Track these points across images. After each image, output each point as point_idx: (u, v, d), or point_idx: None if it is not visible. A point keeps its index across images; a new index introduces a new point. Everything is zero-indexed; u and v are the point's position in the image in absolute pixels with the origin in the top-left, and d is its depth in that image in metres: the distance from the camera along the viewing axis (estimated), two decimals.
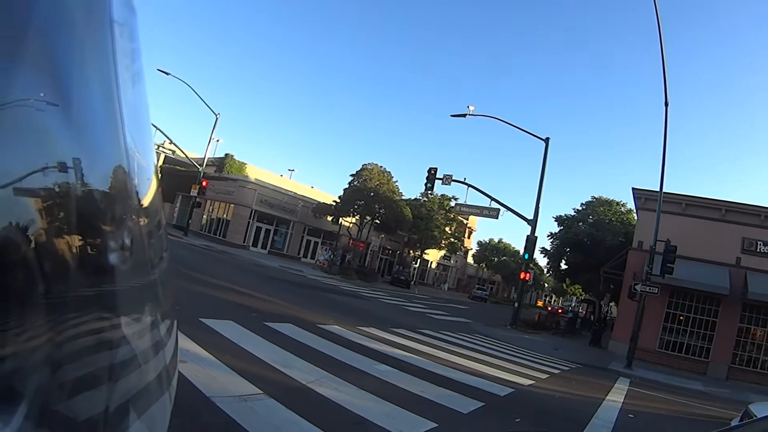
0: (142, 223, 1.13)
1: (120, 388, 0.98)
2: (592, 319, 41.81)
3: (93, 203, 0.89)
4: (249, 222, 46.82)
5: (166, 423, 1.27)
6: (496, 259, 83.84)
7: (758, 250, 26.18)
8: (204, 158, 42.75)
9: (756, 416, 7.84)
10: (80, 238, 0.82)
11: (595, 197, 48.03)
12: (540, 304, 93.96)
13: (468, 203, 36.09)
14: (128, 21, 1.08)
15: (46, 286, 0.71)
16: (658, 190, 22.65)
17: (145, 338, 1.12)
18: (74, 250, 0.80)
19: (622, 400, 12.84)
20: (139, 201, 1.10)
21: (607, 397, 12.84)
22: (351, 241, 48.15)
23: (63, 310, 0.77)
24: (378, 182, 44.89)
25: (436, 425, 6.62)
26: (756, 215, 26.56)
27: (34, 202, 0.70)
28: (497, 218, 33.77)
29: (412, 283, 56.34)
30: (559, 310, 62.56)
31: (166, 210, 56.33)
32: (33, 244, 0.68)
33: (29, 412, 0.70)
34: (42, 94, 0.74)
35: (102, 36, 0.95)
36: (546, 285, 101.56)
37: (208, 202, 49.35)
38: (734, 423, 8.43)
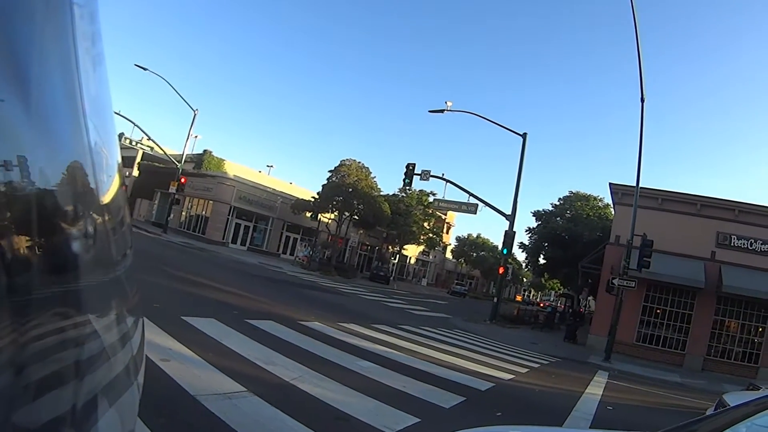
0: (104, 220, 1.11)
1: (87, 383, 0.98)
2: (570, 312, 42.02)
3: (53, 200, 0.87)
4: (228, 218, 46.55)
5: (135, 411, 1.29)
6: (474, 254, 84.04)
7: (732, 244, 26.62)
8: (182, 154, 42.33)
9: (730, 405, 8.01)
10: (40, 236, 0.80)
11: (572, 192, 48.52)
12: (519, 298, 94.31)
13: (446, 199, 36.09)
14: (88, 2, 1.07)
15: (6, 286, 0.69)
16: (634, 185, 22.91)
17: (112, 333, 1.12)
18: (34, 249, 0.78)
19: (601, 393, 12.99)
20: (102, 198, 1.09)
21: (587, 390, 12.99)
22: (330, 237, 48.07)
23: (25, 311, 0.75)
24: (356, 178, 44.77)
25: (419, 420, 6.66)
26: (730, 210, 26.98)
27: None
28: (475, 213, 33.82)
29: (391, 278, 56.36)
30: (540, 304, 63.01)
31: (145, 207, 55.83)
32: None
33: None
34: None
35: (62, 19, 0.93)
36: (525, 280, 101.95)
37: (187, 198, 49.04)
38: (709, 412, 8.57)
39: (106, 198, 1.12)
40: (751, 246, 26.36)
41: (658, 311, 27.22)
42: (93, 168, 1.02)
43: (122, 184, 1.25)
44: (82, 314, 0.97)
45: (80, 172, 0.97)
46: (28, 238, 0.77)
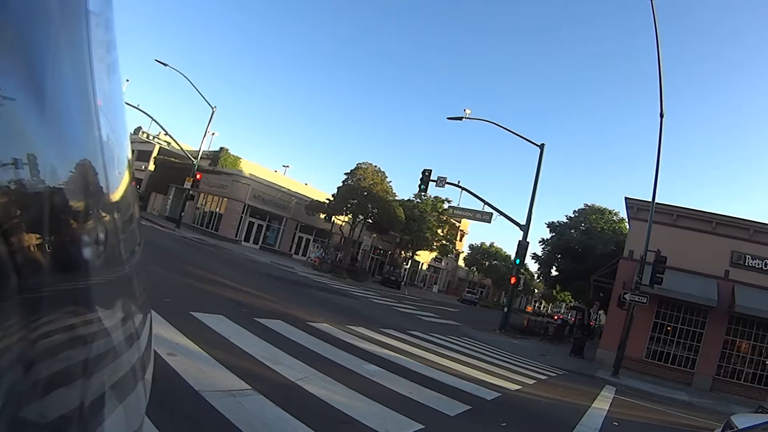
0: (114, 217, 1.11)
1: (95, 382, 0.98)
2: (578, 325, 41.72)
3: (64, 198, 0.87)
4: (242, 217, 46.68)
5: (142, 410, 1.29)
6: (487, 263, 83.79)
7: (747, 263, 26.33)
8: (199, 151, 42.62)
9: (737, 427, 7.94)
10: (51, 233, 0.80)
11: (587, 205, 48.25)
12: (529, 309, 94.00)
13: (461, 206, 36.08)
14: (104, 11, 1.07)
15: (17, 283, 0.70)
16: (650, 200, 22.77)
17: (120, 331, 1.11)
18: (45, 246, 0.78)
19: (607, 408, 12.90)
20: (112, 195, 1.09)
21: (593, 405, 12.90)
22: (343, 240, 48.11)
23: (34, 308, 0.76)
24: (372, 182, 44.89)
25: (423, 427, 6.64)
26: (746, 229, 26.70)
27: (2, 198, 0.69)
28: (490, 222, 33.78)
29: (403, 284, 56.25)
30: (555, 317, 62.72)
31: (159, 201, 56.14)
32: (1, 241, 0.67)
33: (1, 412, 0.69)
34: (11, 85, 0.72)
35: (77, 26, 0.94)
36: (536, 291, 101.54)
37: (202, 195, 49.20)
38: None
39: (116, 195, 1.12)
40: (766, 266, 26.03)
41: (669, 328, 26.99)
42: (105, 165, 1.02)
43: (132, 179, 1.24)
44: (90, 312, 0.97)
45: (92, 169, 0.97)
46: (38, 235, 0.77)
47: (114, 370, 1.08)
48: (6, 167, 0.69)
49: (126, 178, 1.19)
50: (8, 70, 0.73)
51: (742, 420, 8.51)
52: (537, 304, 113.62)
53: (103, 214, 1.06)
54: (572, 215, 48.23)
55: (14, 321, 0.70)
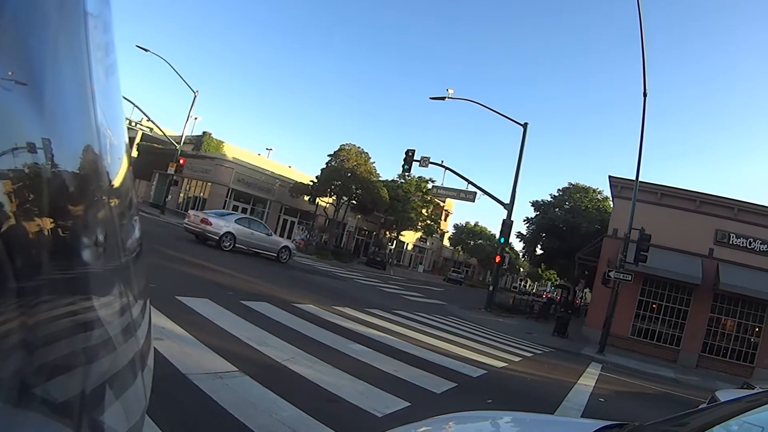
0: (113, 203, 1.12)
1: (95, 370, 0.98)
2: (561, 303, 42.01)
3: (63, 184, 0.88)
4: (226, 201, 46.48)
5: (141, 403, 1.28)
6: (472, 242, 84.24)
7: (731, 242, 26.69)
8: (181, 136, 42.26)
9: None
10: (51, 220, 0.81)
11: (572, 183, 48.61)
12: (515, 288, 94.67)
13: (445, 186, 36.03)
14: (102, 13, 1.07)
15: (17, 269, 0.70)
16: (634, 178, 22.89)
17: (119, 320, 1.12)
18: (45, 233, 0.79)
19: (593, 385, 13.07)
20: (110, 181, 1.09)
21: (579, 381, 13.05)
22: (327, 222, 48.11)
23: (35, 294, 0.76)
24: (355, 163, 44.92)
25: (409, 404, 6.67)
26: (730, 208, 27.04)
27: (2, 185, 0.69)
28: (474, 201, 33.83)
29: (388, 264, 56.38)
30: (543, 296, 63.20)
31: (143, 188, 55.79)
32: (2, 227, 0.68)
33: (8, 396, 0.71)
34: (10, 73, 0.73)
35: (75, 28, 0.94)
36: (521, 269, 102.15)
37: (185, 180, 49.03)
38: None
39: (115, 182, 1.12)
40: (750, 245, 26.43)
41: (654, 306, 27.33)
42: (103, 151, 1.02)
43: (130, 166, 1.25)
44: (90, 300, 0.97)
45: (91, 156, 0.98)
46: (39, 221, 0.78)
47: (114, 359, 1.08)
48: (4, 154, 0.69)
49: (125, 164, 1.20)
50: (8, 62, 0.73)
51: (726, 395, 8.61)
52: (522, 283, 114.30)
53: (104, 199, 1.07)
54: (556, 194, 48.55)
55: (16, 306, 0.70)
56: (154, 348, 4.93)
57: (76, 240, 0.94)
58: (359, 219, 55.37)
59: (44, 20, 0.83)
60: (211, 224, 23.09)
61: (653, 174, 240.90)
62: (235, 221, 24.27)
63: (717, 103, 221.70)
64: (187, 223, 24.56)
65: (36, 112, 0.79)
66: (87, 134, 0.97)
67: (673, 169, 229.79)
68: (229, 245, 23.38)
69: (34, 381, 0.78)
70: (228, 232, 23.40)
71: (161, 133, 43.50)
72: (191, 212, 26.18)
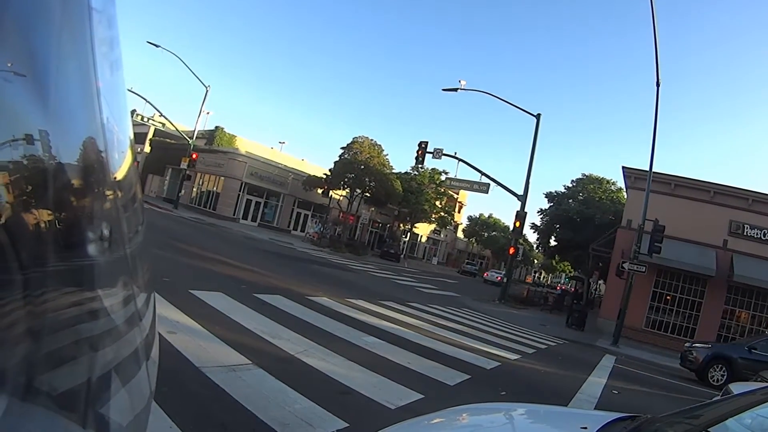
0: (117, 196, 1.12)
1: (100, 359, 0.99)
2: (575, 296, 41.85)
3: (65, 176, 0.87)
4: (239, 195, 46.68)
5: (146, 392, 1.29)
6: (486, 234, 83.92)
7: (745, 233, 26.41)
8: (194, 131, 42.42)
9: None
10: (53, 211, 0.81)
11: (585, 174, 48.19)
12: (529, 280, 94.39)
13: (458, 177, 35.97)
14: (106, 8, 1.06)
15: (21, 260, 0.70)
16: (647, 169, 22.71)
17: (123, 311, 1.12)
18: (47, 224, 0.79)
19: (607, 377, 13.01)
20: (115, 174, 1.09)
21: (593, 374, 13.00)
22: (341, 214, 48.13)
23: (39, 285, 0.76)
24: (368, 155, 44.82)
25: (422, 396, 6.69)
26: (744, 199, 26.73)
27: (3, 176, 0.69)
28: (487, 193, 33.71)
29: (402, 256, 56.35)
30: (558, 287, 62.92)
31: (156, 183, 56.00)
32: (3, 219, 0.67)
33: (15, 383, 0.71)
34: (9, 64, 0.72)
35: (80, 22, 0.94)
36: (535, 261, 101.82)
37: (198, 174, 49.15)
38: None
39: (119, 174, 1.12)
40: (764, 236, 26.13)
41: (668, 297, 27.15)
42: (107, 144, 1.02)
43: (134, 160, 1.25)
44: (93, 291, 0.98)
45: (94, 148, 0.97)
46: (41, 213, 0.78)
47: (119, 349, 1.09)
48: (8, 146, 0.69)
49: (129, 157, 1.20)
50: (10, 55, 0.73)
51: (740, 388, 8.57)
52: (537, 275, 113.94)
53: (107, 192, 1.07)
54: (570, 185, 48.18)
55: (19, 296, 0.71)
56: (168, 341, 4.94)
57: (81, 231, 0.94)
58: (373, 211, 55.33)
59: (48, 15, 0.83)
60: None
61: (668, 162, 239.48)
62: None
63: (732, 90, 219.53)
64: None
65: (38, 104, 0.78)
66: (91, 127, 0.97)
67: (688, 154, 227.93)
68: None
69: (42, 369, 0.79)
70: None
71: (173, 128, 43.66)
72: None
